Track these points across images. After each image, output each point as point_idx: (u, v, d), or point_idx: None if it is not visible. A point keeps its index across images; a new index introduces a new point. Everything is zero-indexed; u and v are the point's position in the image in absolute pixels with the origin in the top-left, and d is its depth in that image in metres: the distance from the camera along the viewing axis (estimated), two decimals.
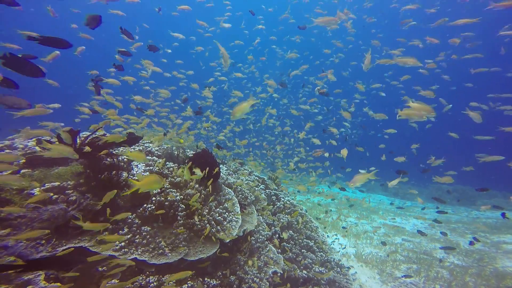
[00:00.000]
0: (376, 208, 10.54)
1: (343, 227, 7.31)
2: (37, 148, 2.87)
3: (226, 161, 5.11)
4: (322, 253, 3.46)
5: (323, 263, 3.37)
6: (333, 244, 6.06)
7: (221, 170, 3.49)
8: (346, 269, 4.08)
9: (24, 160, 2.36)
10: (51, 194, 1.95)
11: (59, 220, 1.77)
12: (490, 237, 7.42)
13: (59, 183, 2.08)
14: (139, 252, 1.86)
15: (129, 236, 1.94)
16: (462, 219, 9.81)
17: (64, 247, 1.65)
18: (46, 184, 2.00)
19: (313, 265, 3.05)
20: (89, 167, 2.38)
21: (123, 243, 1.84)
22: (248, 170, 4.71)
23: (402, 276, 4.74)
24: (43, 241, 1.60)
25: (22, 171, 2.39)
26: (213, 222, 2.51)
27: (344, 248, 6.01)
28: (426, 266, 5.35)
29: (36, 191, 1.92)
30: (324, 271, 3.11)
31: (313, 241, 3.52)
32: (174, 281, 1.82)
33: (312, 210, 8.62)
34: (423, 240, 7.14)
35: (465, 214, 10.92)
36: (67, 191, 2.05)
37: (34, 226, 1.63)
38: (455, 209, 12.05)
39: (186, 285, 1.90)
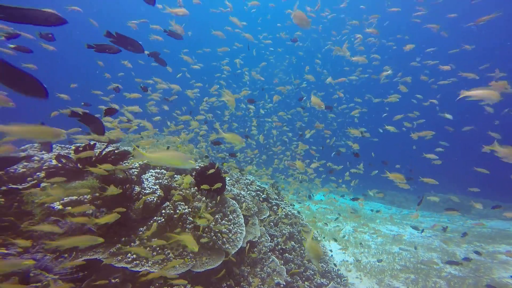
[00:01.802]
0: (373, 216, 10.35)
1: (343, 236, 7.17)
2: (55, 162, 2.92)
3: (227, 170, 5.12)
4: (323, 264, 3.39)
5: (323, 274, 3.30)
6: (333, 254, 5.93)
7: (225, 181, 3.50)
8: (345, 279, 3.98)
9: (43, 174, 2.41)
10: (70, 208, 1.97)
11: (76, 233, 1.79)
12: (486, 247, 7.22)
13: (76, 197, 2.11)
14: (149, 264, 1.86)
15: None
16: (457, 228, 9.58)
17: (81, 259, 1.66)
18: (65, 198, 2.03)
19: (315, 276, 2.99)
20: (103, 181, 2.42)
21: (134, 255, 1.84)
22: (249, 180, 4.70)
23: None
24: (66, 255, 1.62)
25: (42, 184, 2.43)
26: (219, 234, 2.50)
27: (335, 253, 5.87)
28: (423, 276, 5.19)
29: (56, 204, 1.95)
30: (326, 283, 3.04)
31: None
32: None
33: (310, 217, 8.48)
34: (420, 249, 6.97)
35: (461, 223, 10.68)
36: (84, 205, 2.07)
37: (53, 239, 1.65)
38: (451, 218, 11.81)
39: None
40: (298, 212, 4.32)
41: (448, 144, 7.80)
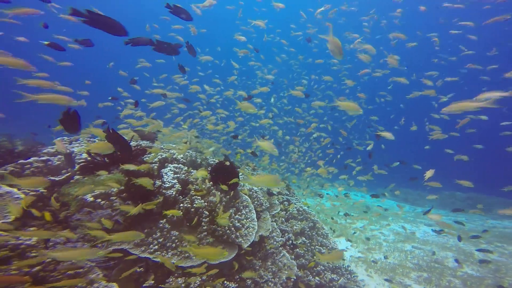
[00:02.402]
0: (386, 214, 10.04)
1: (354, 233, 7.06)
2: (85, 155, 3.13)
3: (240, 165, 5.15)
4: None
5: (334, 269, 3.30)
6: (345, 249, 5.88)
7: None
8: (356, 275, 3.96)
9: (78, 168, 2.60)
10: (99, 200, 2.13)
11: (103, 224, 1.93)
12: (508, 247, 6.78)
13: (105, 190, 2.26)
14: (169, 255, 1.97)
15: (161, 240, 2.06)
16: (476, 228, 9.05)
17: (110, 249, 1.80)
18: (96, 191, 2.19)
19: (325, 272, 3.01)
20: (127, 174, 2.56)
21: (156, 246, 1.96)
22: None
23: None
24: (100, 245, 1.76)
25: (76, 177, 2.63)
26: (232, 228, 2.57)
27: (347, 250, 5.81)
28: (437, 275, 5.01)
29: (89, 196, 2.11)
30: (336, 278, 3.05)
31: (325, 247, 3.46)
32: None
33: (320, 214, 8.42)
34: (434, 247, 6.70)
35: (480, 223, 10.06)
36: (111, 197, 2.22)
37: (87, 227, 1.80)
38: (469, 217, 11.14)
39: (210, 287, 1.98)
40: (309, 207, 4.31)
41: (482, 147, 7.27)
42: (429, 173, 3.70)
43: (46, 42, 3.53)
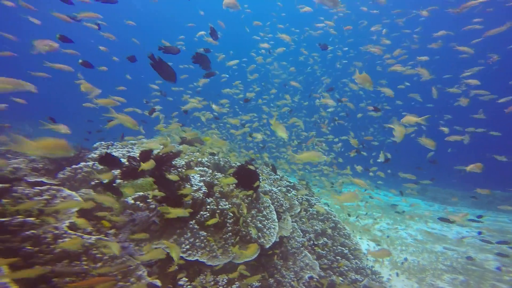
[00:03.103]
0: (412, 213, 9.36)
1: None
2: (126, 162, 3.44)
3: (259, 166, 5.19)
4: (357, 260, 3.29)
5: (357, 270, 3.20)
6: (365, 246, 5.64)
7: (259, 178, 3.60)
8: (381, 276, 3.79)
9: (119, 172, 2.88)
10: (138, 202, 2.34)
11: (144, 225, 2.13)
12: None
13: (142, 193, 2.48)
14: (199, 254, 2.10)
15: (191, 240, 2.20)
16: None
17: (152, 247, 1.99)
18: (136, 194, 2.41)
19: (349, 272, 2.94)
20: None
21: (188, 246, 2.11)
22: (279, 176, 4.73)
23: None
24: (142, 244, 1.96)
25: (118, 181, 2.91)
26: (255, 229, 2.64)
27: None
28: (476, 278, 4.55)
29: (130, 199, 2.34)
30: (360, 279, 2.96)
31: (347, 248, 3.38)
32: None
33: (339, 213, 8.13)
34: (470, 249, 6.10)
35: None
36: (148, 200, 2.43)
37: (132, 229, 2.01)
38: None
39: (235, 285, 2.08)
40: (329, 206, 4.22)
41: None
42: (472, 166, 3.35)
43: (80, 61, 3.90)
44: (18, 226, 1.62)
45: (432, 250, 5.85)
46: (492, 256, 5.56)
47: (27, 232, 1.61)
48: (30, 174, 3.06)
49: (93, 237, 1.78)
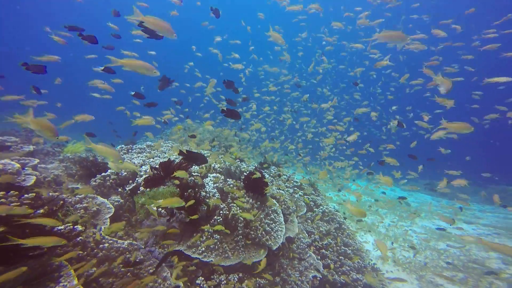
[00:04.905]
0: (418, 209, 9.15)
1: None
2: (150, 171, 3.67)
3: (265, 167, 5.24)
4: (359, 260, 3.37)
5: (359, 269, 3.29)
6: (368, 248, 5.67)
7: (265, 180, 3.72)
8: (382, 273, 3.85)
9: (143, 181, 3.11)
10: (160, 209, 2.55)
11: (165, 230, 2.34)
12: None
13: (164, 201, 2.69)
14: (213, 256, 2.29)
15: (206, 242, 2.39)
16: None
17: (167, 250, 2.20)
18: (159, 201, 2.62)
19: (351, 272, 3.04)
20: (179, 186, 2.96)
21: (203, 248, 2.30)
22: (286, 176, 4.81)
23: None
24: (165, 247, 2.18)
25: (141, 188, 3.15)
26: (263, 232, 2.79)
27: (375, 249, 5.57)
28: (475, 276, 4.50)
29: (153, 206, 2.56)
30: (361, 278, 3.06)
31: (350, 248, 3.46)
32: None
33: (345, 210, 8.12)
34: (474, 247, 5.95)
35: None
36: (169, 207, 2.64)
37: (155, 234, 2.23)
38: None
39: (244, 283, 2.25)
40: (336, 210, 4.28)
41: None
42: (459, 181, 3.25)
43: (101, 68, 4.04)
44: (68, 233, 1.86)
45: (435, 248, 5.78)
46: (496, 255, 5.40)
47: (77, 239, 1.84)
48: (68, 181, 3.38)
49: (126, 242, 2.00)
